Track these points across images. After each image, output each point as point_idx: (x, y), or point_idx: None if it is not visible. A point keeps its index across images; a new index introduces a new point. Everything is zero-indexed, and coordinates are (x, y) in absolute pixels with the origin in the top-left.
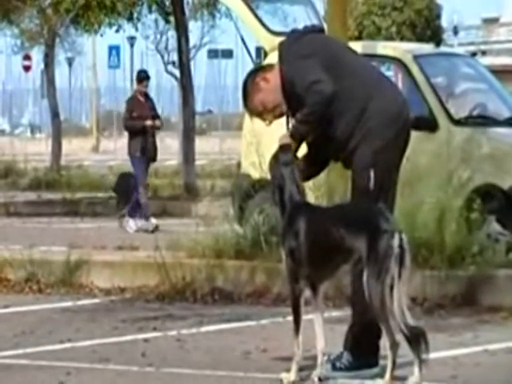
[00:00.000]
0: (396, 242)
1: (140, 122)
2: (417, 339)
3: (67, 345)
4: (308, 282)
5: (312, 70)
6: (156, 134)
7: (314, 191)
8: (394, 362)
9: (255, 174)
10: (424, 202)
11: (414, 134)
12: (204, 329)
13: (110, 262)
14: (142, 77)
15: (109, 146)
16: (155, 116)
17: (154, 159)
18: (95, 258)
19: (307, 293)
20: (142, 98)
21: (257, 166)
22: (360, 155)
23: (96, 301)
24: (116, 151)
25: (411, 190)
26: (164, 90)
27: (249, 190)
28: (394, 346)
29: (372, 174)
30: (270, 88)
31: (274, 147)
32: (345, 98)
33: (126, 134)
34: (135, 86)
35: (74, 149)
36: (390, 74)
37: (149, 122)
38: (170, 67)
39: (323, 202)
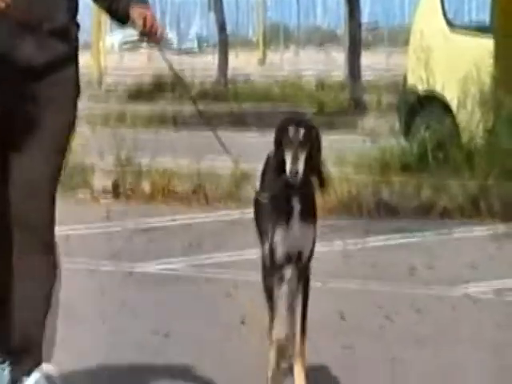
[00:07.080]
0: None
1: None
2: None
3: (234, 258)
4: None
5: None
6: None
7: (480, 107)
8: None
9: (422, 90)
10: None
11: None
12: (369, 244)
13: None
14: None
15: (275, 58)
16: None
17: None
18: None
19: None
20: None
21: (424, 82)
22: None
23: None
24: (282, 64)
25: None
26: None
27: (415, 105)
28: None
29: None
30: None
31: (443, 63)
32: None
33: (291, 47)
34: None
35: (240, 62)
36: None
37: None
38: None
39: (490, 117)
